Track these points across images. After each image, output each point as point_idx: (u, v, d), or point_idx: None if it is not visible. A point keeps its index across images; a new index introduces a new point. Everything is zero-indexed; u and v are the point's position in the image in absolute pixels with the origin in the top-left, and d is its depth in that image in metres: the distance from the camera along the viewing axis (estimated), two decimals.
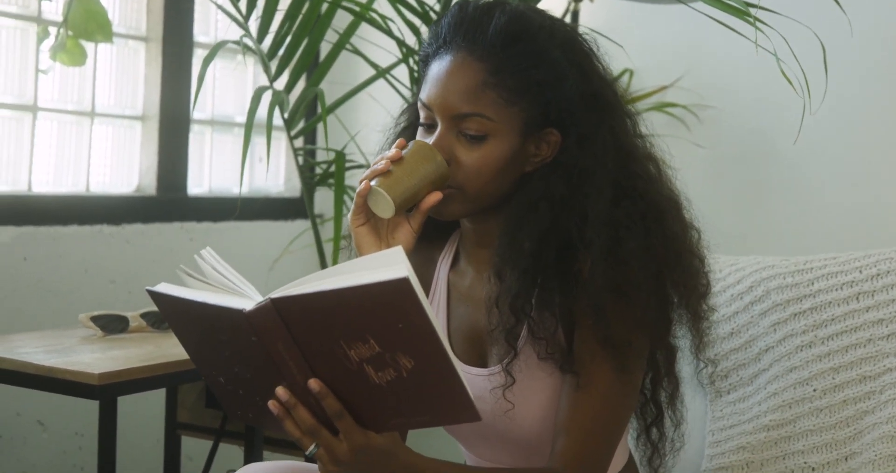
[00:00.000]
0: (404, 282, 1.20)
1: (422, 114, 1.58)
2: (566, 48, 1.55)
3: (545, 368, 1.56)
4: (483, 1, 1.56)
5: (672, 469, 1.79)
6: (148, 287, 1.42)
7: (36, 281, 2.56)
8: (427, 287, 1.73)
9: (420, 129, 1.59)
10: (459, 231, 1.71)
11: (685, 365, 1.73)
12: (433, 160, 1.52)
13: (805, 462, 1.95)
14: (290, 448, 2.21)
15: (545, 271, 1.52)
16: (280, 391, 1.34)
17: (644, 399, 1.66)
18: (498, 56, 1.51)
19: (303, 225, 3.20)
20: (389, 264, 1.24)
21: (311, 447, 1.37)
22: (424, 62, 1.59)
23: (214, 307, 1.32)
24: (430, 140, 1.53)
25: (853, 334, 1.98)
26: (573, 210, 1.52)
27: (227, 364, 1.41)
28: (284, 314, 1.27)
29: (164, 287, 1.41)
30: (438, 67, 1.54)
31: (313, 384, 1.31)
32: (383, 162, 1.51)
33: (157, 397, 2.51)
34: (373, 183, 1.51)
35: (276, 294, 1.27)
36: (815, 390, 1.98)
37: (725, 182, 2.80)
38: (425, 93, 1.56)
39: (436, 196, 1.53)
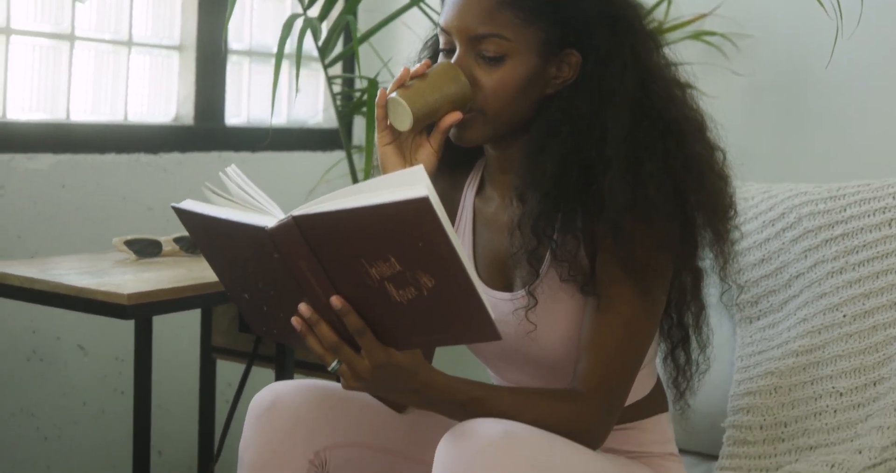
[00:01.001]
0: (424, 201, 1.21)
1: (441, 40, 1.58)
2: None
3: (568, 290, 1.57)
4: None
5: (698, 393, 1.80)
6: (174, 204, 1.44)
7: (74, 208, 2.59)
8: (453, 213, 1.74)
9: (440, 56, 1.59)
10: (485, 158, 1.71)
11: (711, 289, 1.73)
12: (456, 80, 1.52)
13: (833, 387, 1.95)
14: (320, 370, 2.24)
15: (567, 194, 1.52)
16: (302, 307, 1.36)
17: (670, 322, 1.66)
18: None
19: (340, 156, 3.21)
20: (410, 183, 1.25)
21: (334, 363, 1.39)
22: None
23: (237, 224, 1.34)
24: None
25: (884, 259, 1.97)
26: (593, 131, 1.52)
27: (251, 281, 1.42)
28: (306, 232, 1.28)
29: (189, 204, 1.43)
30: None
31: (335, 301, 1.33)
32: (410, 80, 1.52)
33: (193, 322, 2.54)
34: (393, 94, 1.51)
35: (297, 212, 1.28)
36: (844, 315, 1.98)
37: (763, 110, 2.77)
38: (443, 17, 1.57)
39: (455, 115, 1.54)
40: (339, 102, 2.67)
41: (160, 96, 2.94)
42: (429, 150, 1.59)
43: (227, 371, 2.70)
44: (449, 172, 1.74)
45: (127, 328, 2.38)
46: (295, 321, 1.37)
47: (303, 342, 1.39)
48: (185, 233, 2.23)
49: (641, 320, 1.54)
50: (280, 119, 3.27)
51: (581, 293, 1.55)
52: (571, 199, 1.52)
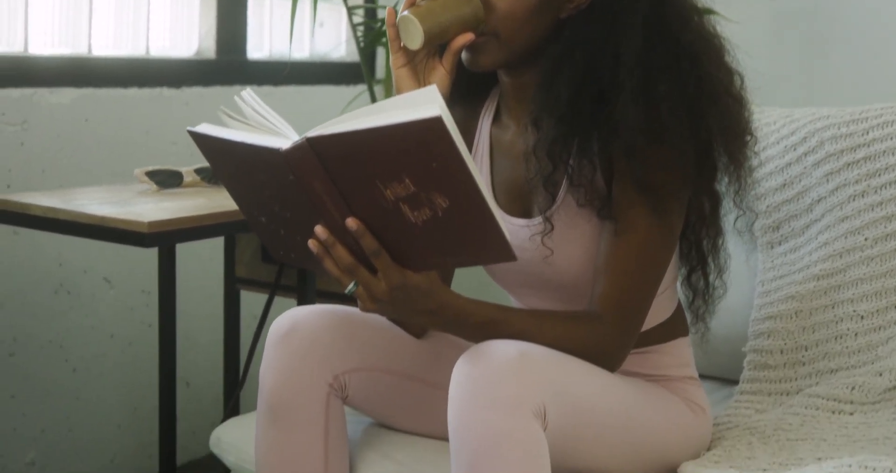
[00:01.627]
0: (437, 121, 1.21)
1: None
2: None
3: (584, 215, 1.57)
4: None
5: (718, 318, 1.80)
6: (189, 128, 1.44)
7: (97, 143, 2.61)
8: (470, 141, 1.73)
9: None
10: (500, 86, 1.71)
11: (729, 213, 1.72)
12: (469, 1, 1.51)
13: (854, 311, 1.94)
14: (340, 299, 2.25)
15: (582, 118, 1.52)
16: (318, 229, 1.36)
17: (688, 245, 1.66)
18: None
19: (362, 89, 3.20)
20: (424, 103, 1.24)
21: (350, 285, 1.40)
22: None
23: (252, 146, 1.34)
24: None
25: None
26: (607, 55, 1.51)
27: (267, 204, 1.43)
28: (320, 153, 1.28)
29: (205, 128, 1.43)
30: None
31: (351, 222, 1.33)
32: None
33: (216, 254, 2.56)
34: (405, 12, 1.50)
35: (312, 133, 1.28)
36: (866, 239, 1.97)
37: (787, 34, 2.74)
38: None
39: (467, 36, 1.53)
40: (359, 34, 2.65)
41: (182, 30, 2.93)
42: (442, 72, 1.58)
43: (252, 303, 2.72)
44: (465, 100, 1.74)
45: (151, 260, 2.40)
46: (312, 243, 1.38)
47: (320, 265, 1.40)
48: (207, 164, 2.24)
49: (658, 242, 1.54)
50: (302, 53, 3.27)
51: (598, 218, 1.55)
52: (586, 123, 1.52)
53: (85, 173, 2.56)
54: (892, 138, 1.99)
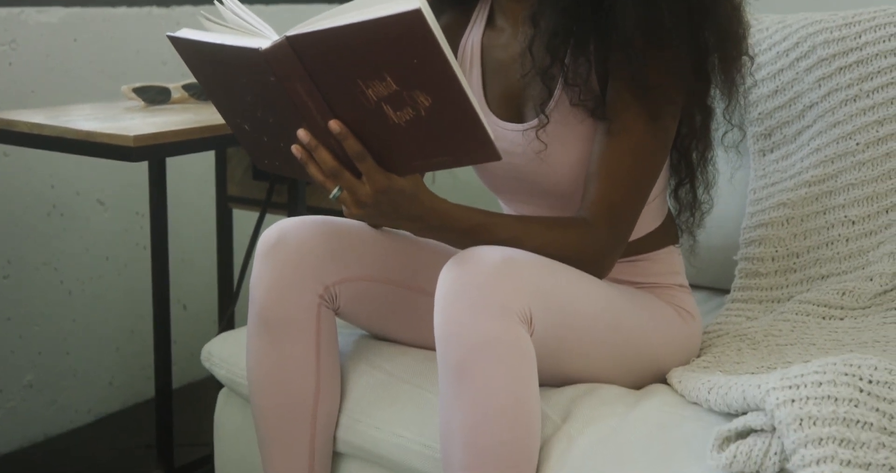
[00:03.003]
0: (417, 14, 1.19)
1: None
2: None
3: (577, 115, 1.55)
4: None
5: (710, 229, 1.79)
6: (168, 33, 1.42)
7: (87, 62, 2.59)
8: (457, 46, 1.72)
9: None
10: None
11: (719, 129, 1.71)
12: None
13: (845, 216, 1.93)
14: (330, 215, 2.25)
15: (583, 11, 1.50)
16: (301, 133, 1.35)
17: (677, 156, 1.65)
18: None
19: None
20: None
21: (335, 190, 1.39)
22: None
23: (232, 47, 1.32)
24: None
25: None
26: None
27: (249, 110, 1.41)
28: (300, 52, 1.26)
29: (184, 32, 1.41)
30: None
31: (333, 124, 1.32)
32: None
33: (208, 174, 2.55)
34: None
35: (291, 32, 1.26)
36: (857, 144, 1.95)
37: None
38: None
39: None
40: None
41: None
42: None
43: (244, 222, 2.72)
44: (453, 6, 1.72)
45: (144, 182, 2.39)
46: (295, 148, 1.37)
47: (304, 171, 1.39)
48: (194, 80, 2.22)
49: (651, 145, 1.53)
50: None
51: (591, 118, 1.54)
52: (585, 18, 1.50)
53: (75, 93, 2.55)
54: (884, 42, 1.97)
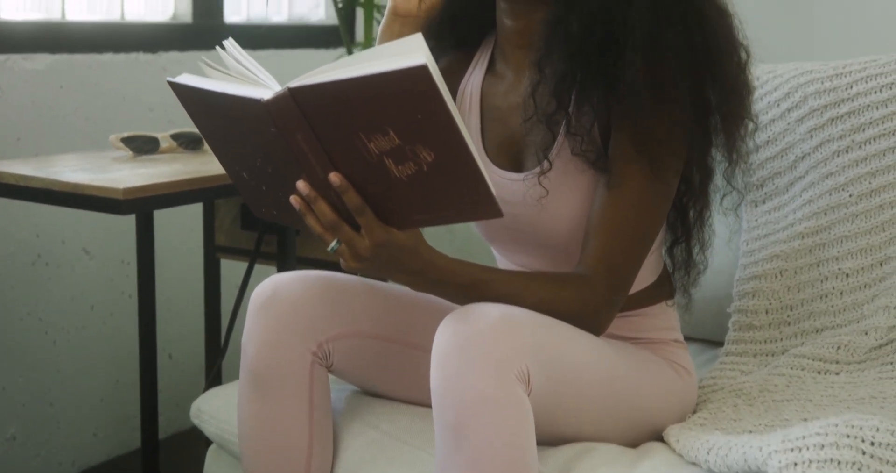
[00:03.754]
0: (422, 69, 1.17)
1: None
2: None
3: (579, 165, 1.54)
4: None
5: (701, 284, 1.77)
6: (169, 78, 1.40)
7: (73, 109, 2.57)
8: (455, 91, 1.71)
9: None
10: (493, 37, 1.68)
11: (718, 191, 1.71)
12: None
13: (839, 269, 1.92)
14: (321, 266, 2.23)
15: (590, 57, 1.49)
16: (301, 184, 1.33)
17: (674, 214, 1.64)
18: None
19: (341, 53, 3.17)
20: (408, 51, 1.21)
21: (333, 243, 1.37)
22: None
23: (233, 97, 1.30)
24: None
25: (891, 137, 1.93)
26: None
27: (249, 159, 1.40)
28: (302, 104, 1.25)
29: (185, 78, 1.39)
30: None
31: (334, 177, 1.30)
32: None
33: (195, 223, 2.53)
34: None
35: (293, 83, 1.24)
36: (850, 195, 1.94)
37: None
38: None
39: None
40: None
41: None
42: None
43: (232, 272, 2.69)
44: (455, 49, 1.72)
45: (131, 230, 2.37)
46: (294, 199, 1.35)
47: (302, 222, 1.37)
48: (183, 129, 2.21)
49: (651, 202, 1.51)
50: (280, 16, 3.22)
51: (592, 169, 1.53)
52: (593, 65, 1.49)
53: (60, 140, 2.53)
54: (875, 92, 1.97)
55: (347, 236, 1.35)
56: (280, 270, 2.12)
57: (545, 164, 1.55)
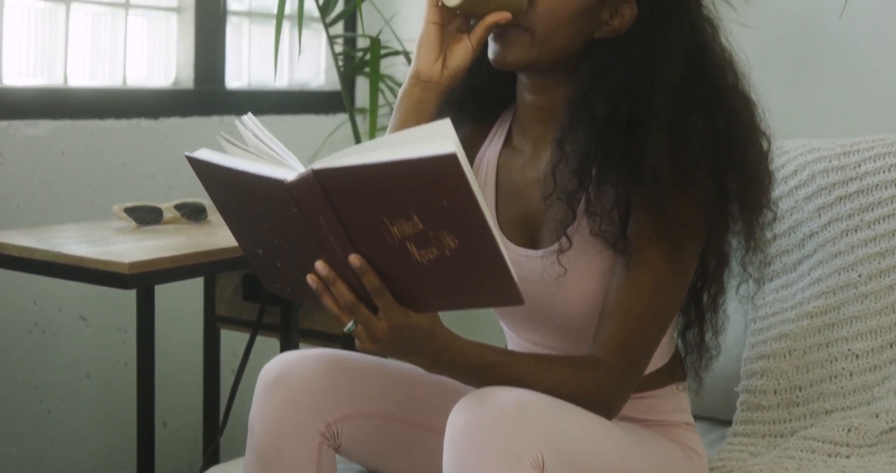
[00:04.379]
0: (451, 158, 1.16)
1: None
2: None
3: (597, 245, 1.53)
4: None
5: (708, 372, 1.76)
6: (187, 153, 1.38)
7: (74, 176, 2.56)
8: (470, 164, 1.70)
9: None
10: (512, 111, 1.68)
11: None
12: None
13: (849, 349, 1.91)
14: (326, 339, 2.21)
15: (614, 137, 1.48)
16: (320, 265, 1.31)
17: (687, 298, 1.63)
18: None
19: (343, 118, 3.17)
20: (437, 137, 1.19)
21: (349, 324, 1.35)
22: None
23: (254, 176, 1.28)
24: None
25: None
26: (645, 79, 1.49)
27: (266, 236, 1.37)
28: (326, 186, 1.23)
29: (203, 154, 1.37)
30: None
31: (354, 259, 1.28)
32: None
33: (196, 292, 2.50)
34: None
35: (318, 165, 1.23)
36: (860, 275, 1.94)
37: (774, 64, 2.70)
38: None
39: (503, 14, 1.50)
40: (341, 63, 2.61)
41: (159, 60, 2.89)
42: (466, 44, 1.55)
43: (231, 341, 2.67)
44: (472, 120, 1.71)
45: (128, 297, 2.34)
46: (311, 278, 1.33)
47: (318, 300, 1.35)
48: (187, 199, 2.20)
49: (670, 286, 1.50)
50: (281, 82, 3.22)
51: (610, 250, 1.52)
52: (616, 145, 1.48)
53: (61, 207, 2.51)
54: (884, 172, 1.96)
55: (365, 317, 1.34)
56: (283, 342, 2.10)
57: (564, 242, 1.54)
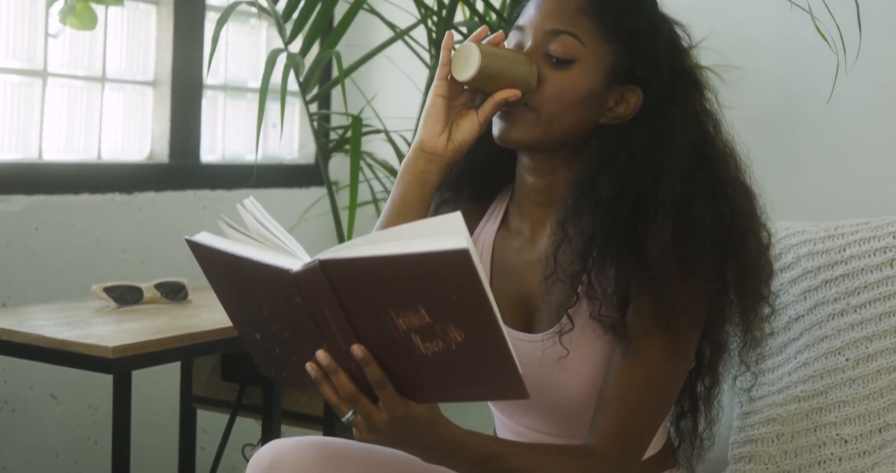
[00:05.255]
0: (463, 253, 1.15)
1: (511, 41, 1.56)
2: (664, 15, 1.57)
3: (596, 329, 1.52)
4: None
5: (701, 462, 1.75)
6: (187, 237, 1.35)
7: (48, 251, 2.52)
8: None
9: None
10: (510, 191, 1.67)
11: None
12: (529, 64, 1.50)
13: (837, 434, 1.90)
14: (308, 421, 2.17)
15: (619, 222, 1.48)
16: (321, 354, 1.29)
17: (682, 387, 1.62)
18: None
19: (317, 192, 3.15)
20: (448, 231, 1.18)
21: (349, 414, 1.33)
22: (519, 2, 1.60)
23: (259, 264, 1.26)
24: None
25: (887, 301, 1.92)
26: (651, 165, 1.50)
27: (265, 322, 1.35)
28: (332, 277, 1.21)
29: (204, 238, 1.34)
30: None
31: (357, 350, 1.26)
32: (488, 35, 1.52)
33: (172, 369, 2.47)
34: (467, 41, 1.49)
35: (325, 256, 1.21)
36: (847, 359, 1.93)
37: (753, 145, 2.71)
38: (521, 19, 1.56)
39: (512, 92, 1.50)
40: (321, 139, 2.61)
41: (134, 133, 2.87)
42: (474, 120, 1.55)
43: (207, 420, 2.62)
44: (470, 198, 1.70)
45: (99, 375, 2.30)
46: (311, 367, 1.30)
47: (316, 387, 1.33)
48: (166, 279, 2.17)
49: (669, 375, 1.50)
50: (254, 155, 3.21)
51: (608, 335, 1.51)
52: (620, 229, 1.48)
53: (35, 283, 2.48)
54: (869, 256, 1.96)
55: (365, 408, 1.31)
56: (264, 423, 2.06)
57: (566, 322, 1.53)
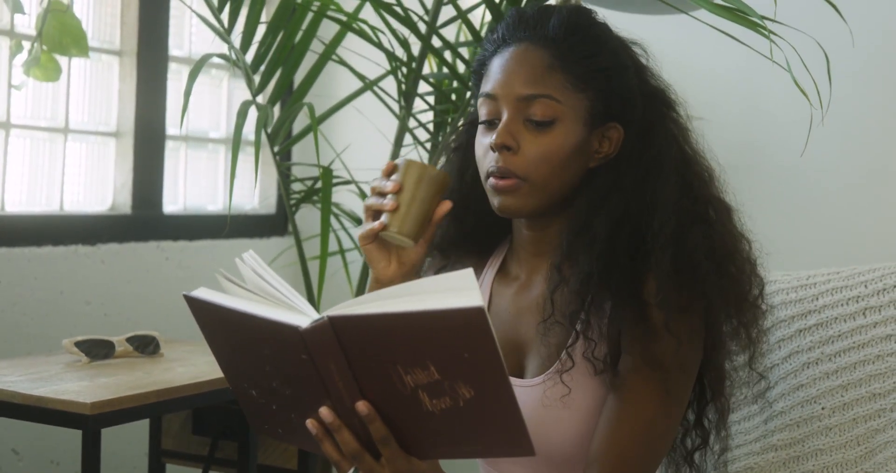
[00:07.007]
0: (478, 312, 1.14)
1: (483, 111, 1.54)
2: (622, 42, 1.57)
3: (588, 371, 1.51)
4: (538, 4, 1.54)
5: None
6: (185, 292, 1.33)
7: (11, 304, 2.48)
8: None
9: (480, 128, 1.56)
10: (509, 241, 1.67)
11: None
12: (429, 176, 1.48)
13: None
14: None
15: (616, 260, 1.48)
16: (325, 412, 1.27)
17: (687, 425, 1.62)
18: (561, 44, 1.51)
19: (279, 242, 3.14)
20: (461, 288, 1.17)
21: (350, 471, 1.31)
22: (481, 65, 1.57)
23: (265, 320, 1.24)
24: (493, 135, 1.50)
25: (861, 350, 1.94)
26: (643, 200, 1.50)
27: (265, 379, 1.33)
28: (341, 334, 1.20)
29: (203, 293, 1.31)
30: (500, 60, 1.53)
31: (362, 407, 1.25)
32: (388, 201, 1.47)
33: (141, 423, 2.43)
34: (387, 233, 1.47)
35: (334, 312, 1.20)
36: (823, 408, 1.94)
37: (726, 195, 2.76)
38: (488, 85, 1.54)
39: (445, 206, 1.50)
40: (288, 191, 2.60)
41: (96, 184, 2.85)
42: (418, 248, 1.54)
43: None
44: (474, 254, 1.70)
45: (65, 429, 2.26)
46: (312, 424, 1.29)
47: (313, 444, 1.31)
48: (137, 332, 2.14)
49: (663, 424, 1.49)
50: (216, 206, 3.19)
51: (597, 376, 1.50)
52: (618, 265, 1.48)
53: None
54: (842, 305, 1.98)
55: (368, 465, 1.30)
56: None
57: (566, 360, 1.51)
